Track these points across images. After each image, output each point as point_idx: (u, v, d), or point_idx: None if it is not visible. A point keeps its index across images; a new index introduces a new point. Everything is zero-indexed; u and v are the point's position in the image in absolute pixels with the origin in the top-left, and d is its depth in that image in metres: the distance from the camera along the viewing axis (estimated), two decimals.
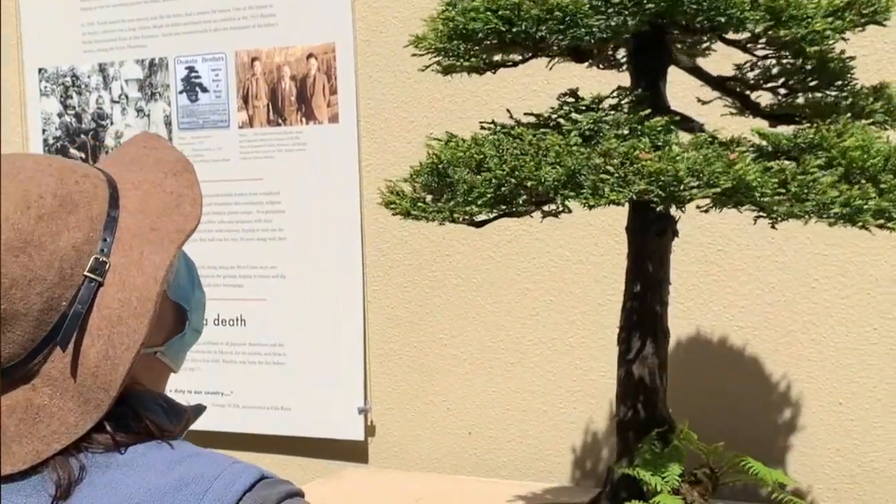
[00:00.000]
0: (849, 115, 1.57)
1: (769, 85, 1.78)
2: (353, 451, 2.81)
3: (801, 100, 1.75)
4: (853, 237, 2.24)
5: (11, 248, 0.94)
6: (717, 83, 1.78)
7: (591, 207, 1.40)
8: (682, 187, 1.38)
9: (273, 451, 2.92)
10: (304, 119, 2.81)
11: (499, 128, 1.55)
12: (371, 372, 2.79)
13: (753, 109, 1.79)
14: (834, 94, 1.72)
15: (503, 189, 1.44)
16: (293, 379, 2.85)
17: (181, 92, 2.95)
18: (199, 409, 1.13)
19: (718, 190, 1.38)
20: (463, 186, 1.46)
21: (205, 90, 2.92)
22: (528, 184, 1.41)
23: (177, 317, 1.10)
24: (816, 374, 2.33)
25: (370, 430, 2.80)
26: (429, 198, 1.53)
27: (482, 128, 1.61)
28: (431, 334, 2.71)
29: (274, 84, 2.84)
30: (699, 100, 1.85)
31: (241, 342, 2.90)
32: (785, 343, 2.35)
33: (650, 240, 1.69)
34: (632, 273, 1.71)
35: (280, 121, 2.84)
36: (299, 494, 0.98)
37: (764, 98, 1.78)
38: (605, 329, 2.48)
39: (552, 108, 1.62)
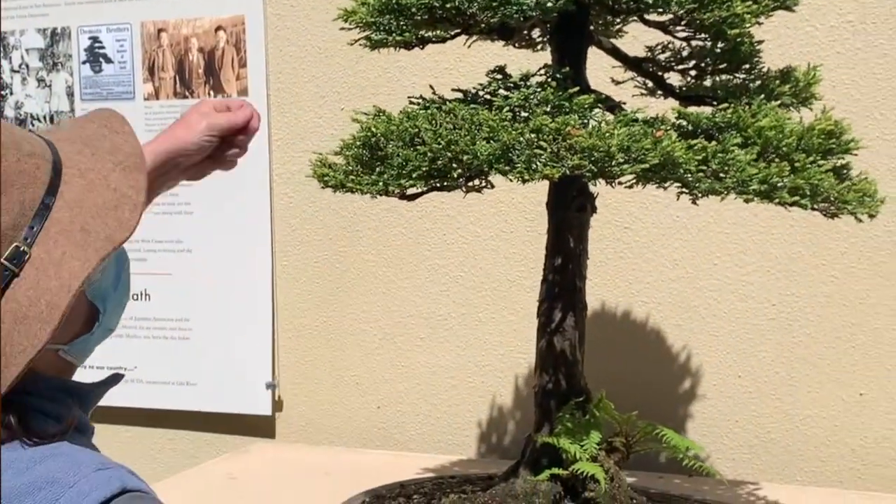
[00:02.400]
0: (762, 96, 1.63)
1: (681, 67, 1.83)
2: (260, 427, 2.81)
3: (708, 82, 1.81)
4: (753, 217, 2.33)
5: None
6: (634, 64, 1.83)
7: (524, 182, 1.43)
8: (613, 163, 1.42)
9: (178, 427, 2.92)
10: (212, 92, 2.78)
11: (429, 102, 1.57)
12: (280, 347, 2.79)
13: (666, 90, 1.85)
14: (742, 76, 1.78)
15: (438, 163, 1.46)
16: (199, 354, 2.83)
17: (84, 62, 2.89)
18: (114, 379, 1.09)
19: (647, 166, 1.43)
20: (397, 160, 1.48)
21: (109, 61, 2.87)
22: (464, 158, 1.44)
23: (89, 315, 1.06)
24: (717, 348, 2.41)
25: (278, 406, 2.81)
26: (361, 170, 1.55)
27: (411, 103, 1.63)
28: (341, 309, 2.72)
29: (181, 56, 2.80)
30: (613, 80, 1.90)
31: (145, 317, 2.87)
32: (687, 318, 2.43)
33: (570, 215, 1.73)
34: (552, 248, 1.76)
35: (187, 93, 2.81)
36: None
37: (672, 80, 1.84)
38: (514, 304, 2.54)
39: (480, 84, 1.65)
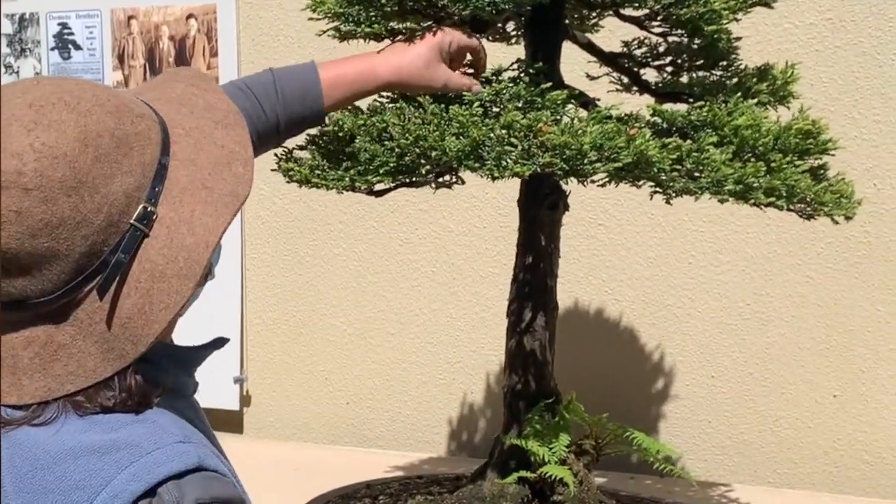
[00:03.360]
0: (738, 94, 1.60)
1: (657, 63, 1.80)
2: (228, 421, 2.77)
3: (685, 78, 1.78)
4: (729, 215, 2.30)
5: (65, 186, 0.88)
6: (609, 59, 1.79)
7: (494, 179, 1.40)
8: (585, 161, 1.38)
9: None
10: None
11: (398, 97, 1.53)
12: (248, 341, 2.75)
13: (641, 86, 1.82)
14: (719, 73, 1.75)
15: (406, 159, 1.42)
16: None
17: (53, 49, 2.84)
18: (219, 342, 1.10)
19: (619, 165, 1.39)
20: (364, 155, 1.44)
21: (78, 48, 2.82)
22: (432, 154, 1.40)
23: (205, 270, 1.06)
24: (690, 348, 2.39)
25: (246, 400, 2.77)
26: (327, 165, 1.51)
27: (379, 96, 1.59)
28: (311, 304, 2.68)
29: (151, 44, 2.75)
30: (588, 75, 1.87)
31: None
32: (661, 317, 2.40)
33: (542, 213, 1.70)
34: (523, 246, 1.72)
35: None
36: (230, 502, 0.91)
37: (648, 76, 1.80)
38: (486, 301, 2.50)
39: None
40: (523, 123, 1.41)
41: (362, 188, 1.47)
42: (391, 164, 1.44)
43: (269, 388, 2.75)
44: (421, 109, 1.47)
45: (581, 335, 2.43)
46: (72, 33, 2.82)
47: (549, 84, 1.50)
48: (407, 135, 1.42)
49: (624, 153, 1.40)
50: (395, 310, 2.61)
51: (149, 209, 0.91)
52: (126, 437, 0.90)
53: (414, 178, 1.48)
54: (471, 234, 2.51)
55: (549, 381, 1.73)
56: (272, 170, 1.54)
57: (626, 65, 1.80)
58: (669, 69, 1.79)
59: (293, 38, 2.63)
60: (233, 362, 2.73)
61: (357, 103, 1.55)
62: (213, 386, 2.73)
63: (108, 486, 0.86)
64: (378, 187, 1.50)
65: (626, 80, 1.82)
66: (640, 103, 1.59)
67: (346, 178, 1.46)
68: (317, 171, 1.49)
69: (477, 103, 1.47)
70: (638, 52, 1.79)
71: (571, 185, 1.66)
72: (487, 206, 2.48)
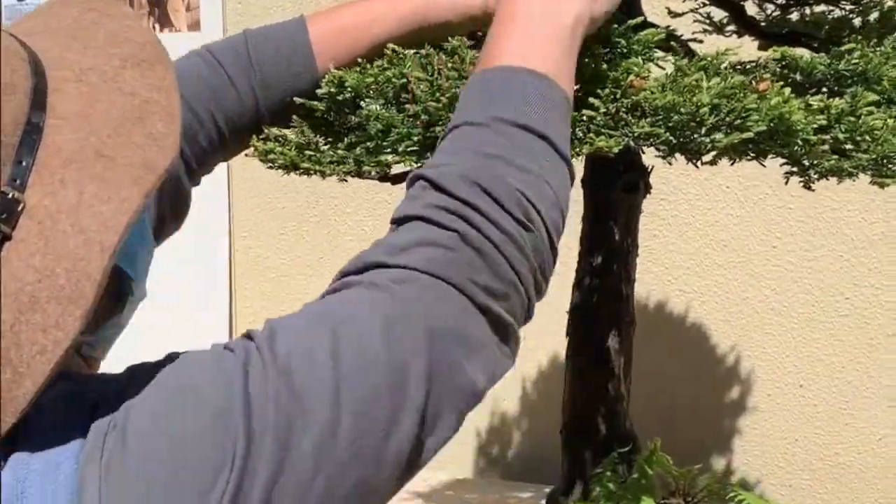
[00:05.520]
0: (878, 35, 1.16)
1: None
2: None
3: (795, 15, 1.35)
4: (824, 189, 1.86)
5: None
6: None
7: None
8: (702, 131, 0.95)
9: None
10: (157, 25, 2.36)
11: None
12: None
13: (744, 25, 1.38)
14: (849, 6, 1.32)
15: (437, 129, 0.98)
16: (144, 344, 2.36)
17: None
18: None
19: (751, 134, 0.95)
20: (375, 126, 1.00)
21: None
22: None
23: (113, 288, 0.75)
24: (774, 350, 1.97)
25: None
26: (323, 142, 1.07)
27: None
28: (313, 292, 2.26)
29: None
30: (669, 11, 1.44)
31: None
32: (737, 312, 1.97)
33: (617, 197, 1.27)
34: (590, 241, 1.29)
35: None
36: None
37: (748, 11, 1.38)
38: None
39: None
40: (608, 76, 0.97)
41: (372, 173, 1.03)
42: (415, 138, 1.00)
43: None
44: (456, 57, 1.03)
45: (639, 334, 2.00)
46: None
47: (640, 19, 1.05)
48: (438, 94, 0.98)
49: (755, 118, 0.96)
50: None
51: (9, 195, 0.62)
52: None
53: None
54: None
55: (623, 421, 1.30)
56: (247, 155, 1.10)
57: None
58: (779, 2, 1.36)
59: None
60: None
61: None
62: None
63: None
64: (396, 170, 1.06)
65: (720, 16, 1.38)
66: (769, 48, 1.14)
67: (350, 160, 1.02)
68: (307, 152, 1.04)
69: None
70: None
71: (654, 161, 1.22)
72: None
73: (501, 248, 0.75)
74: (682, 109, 0.94)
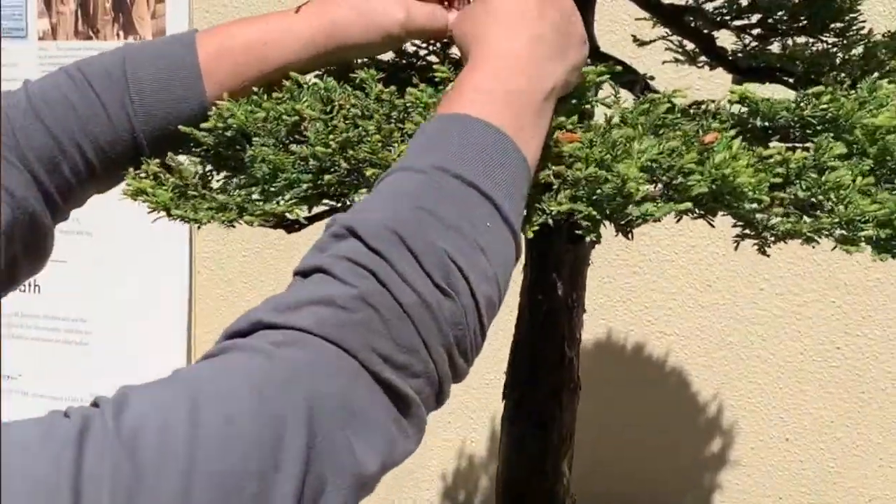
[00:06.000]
0: (875, 74, 1.02)
1: (739, 22, 1.22)
2: None
3: (776, 47, 1.22)
4: None
5: None
6: (669, 14, 1.21)
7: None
8: (630, 198, 0.81)
9: None
10: (121, 33, 2.23)
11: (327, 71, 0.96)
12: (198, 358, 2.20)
13: (715, 57, 1.24)
14: (832, 40, 1.18)
15: (331, 175, 0.85)
16: (98, 365, 2.27)
17: None
18: None
19: (689, 205, 0.82)
20: (262, 169, 0.87)
21: None
22: (369, 173, 0.83)
23: None
24: (759, 401, 1.82)
25: None
26: (220, 177, 0.94)
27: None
28: None
29: None
30: (636, 39, 1.30)
31: (33, 313, 2.31)
32: (720, 358, 1.83)
33: (560, 248, 1.13)
34: (529, 297, 1.15)
35: (91, 33, 2.25)
36: None
37: (723, 41, 1.24)
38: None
39: (419, 43, 1.03)
40: None
41: (260, 221, 0.89)
42: (305, 184, 0.87)
43: None
44: (360, 92, 0.89)
45: (614, 377, 1.86)
46: None
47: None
48: (331, 136, 0.85)
49: (695, 178, 0.82)
50: None
51: None
52: None
53: (349, 202, 0.90)
54: None
55: (562, 499, 1.16)
56: (119, 200, 0.98)
57: (693, 23, 1.22)
58: (756, 32, 1.22)
59: None
60: None
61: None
62: None
63: None
64: (293, 216, 0.93)
65: (691, 46, 1.25)
66: (732, 87, 1.00)
67: (232, 205, 0.88)
68: (190, 194, 0.91)
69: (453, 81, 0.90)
70: (710, 6, 1.21)
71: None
72: None
73: (410, 312, 0.65)
74: (610, 176, 0.80)
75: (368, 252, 0.66)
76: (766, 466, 1.82)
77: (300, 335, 0.63)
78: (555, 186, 0.81)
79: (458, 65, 0.94)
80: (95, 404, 0.58)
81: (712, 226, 0.95)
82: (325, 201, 0.90)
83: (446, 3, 0.97)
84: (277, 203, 0.88)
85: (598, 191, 0.80)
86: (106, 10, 2.21)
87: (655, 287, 1.85)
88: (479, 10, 0.85)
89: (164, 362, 2.20)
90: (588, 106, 0.91)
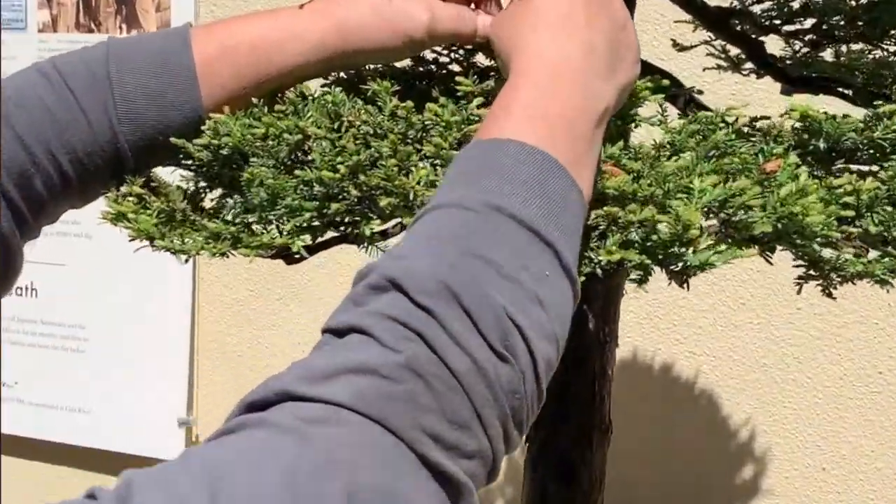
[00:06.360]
0: None
1: (789, 28, 1.12)
2: None
3: (828, 54, 1.11)
4: None
5: None
6: (714, 18, 1.10)
7: None
8: (691, 244, 0.70)
9: (66, 464, 2.29)
10: (124, 26, 2.14)
11: (337, 78, 0.85)
12: (199, 372, 2.13)
13: (762, 64, 1.13)
14: (893, 48, 1.08)
15: (338, 203, 0.75)
16: (96, 372, 2.20)
17: None
18: None
19: (755, 250, 0.72)
20: (260, 194, 0.76)
21: None
22: (383, 203, 0.72)
23: None
24: (794, 427, 1.72)
25: None
26: (212, 196, 0.83)
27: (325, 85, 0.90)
28: (279, 326, 2.07)
29: None
30: (675, 43, 1.20)
31: (30, 318, 2.24)
32: (754, 381, 1.73)
33: (593, 278, 1.02)
34: None
35: (93, 26, 2.17)
36: None
37: (771, 47, 1.13)
38: None
39: (439, 49, 0.93)
40: None
41: (257, 252, 0.79)
42: (309, 213, 0.76)
43: None
44: (372, 106, 0.79)
45: (638, 400, 1.76)
46: None
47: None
48: (338, 159, 0.74)
49: (758, 215, 0.72)
50: None
51: None
52: None
53: (357, 231, 0.80)
54: None
55: None
56: (100, 219, 0.87)
57: (740, 28, 1.11)
58: (808, 37, 1.11)
59: None
60: (178, 399, 2.11)
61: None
62: (153, 429, 2.16)
63: None
64: (295, 247, 0.82)
65: (735, 52, 1.14)
66: (795, 103, 0.88)
67: (226, 234, 0.78)
68: (176, 218, 0.81)
69: (480, 96, 0.79)
70: (758, 8, 1.11)
71: None
72: None
73: (463, 382, 0.55)
74: (664, 226, 0.69)
75: (415, 309, 0.56)
76: (800, 497, 1.72)
77: (335, 410, 0.53)
78: (601, 228, 0.70)
79: (483, 75, 0.83)
80: (91, 496, 0.49)
81: (770, 263, 0.83)
82: (333, 230, 0.80)
83: (472, 4, 0.86)
84: (273, 234, 0.77)
85: (654, 236, 0.69)
86: (109, 1, 2.13)
87: (685, 304, 1.75)
88: (521, 10, 0.74)
89: (165, 370, 2.11)
90: (632, 125, 0.80)
